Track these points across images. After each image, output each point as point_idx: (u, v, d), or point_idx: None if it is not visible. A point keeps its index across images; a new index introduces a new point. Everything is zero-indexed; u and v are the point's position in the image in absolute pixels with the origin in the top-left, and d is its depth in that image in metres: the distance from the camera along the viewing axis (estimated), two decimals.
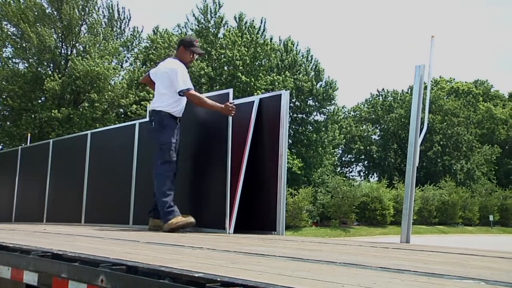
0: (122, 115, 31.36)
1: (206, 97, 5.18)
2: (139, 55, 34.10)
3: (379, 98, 56.81)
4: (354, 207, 36.47)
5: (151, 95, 26.64)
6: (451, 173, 48.79)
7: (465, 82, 60.75)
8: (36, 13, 28.38)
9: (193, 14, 36.03)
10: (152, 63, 30.29)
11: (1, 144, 29.60)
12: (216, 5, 35.67)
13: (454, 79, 61.39)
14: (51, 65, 30.09)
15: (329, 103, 40.41)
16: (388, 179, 43.17)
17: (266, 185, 4.85)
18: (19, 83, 28.29)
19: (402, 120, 50.87)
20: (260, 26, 36.79)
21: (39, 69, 29.76)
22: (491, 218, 43.65)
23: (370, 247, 3.29)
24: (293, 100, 38.42)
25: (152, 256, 2.37)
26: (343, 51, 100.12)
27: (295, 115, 39.68)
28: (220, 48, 34.64)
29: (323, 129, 40.09)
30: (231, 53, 33.89)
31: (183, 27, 36.87)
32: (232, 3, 67.76)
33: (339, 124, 43.51)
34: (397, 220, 34.67)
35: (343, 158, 56.25)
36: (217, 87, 32.51)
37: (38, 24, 27.98)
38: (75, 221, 7.29)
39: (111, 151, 7.18)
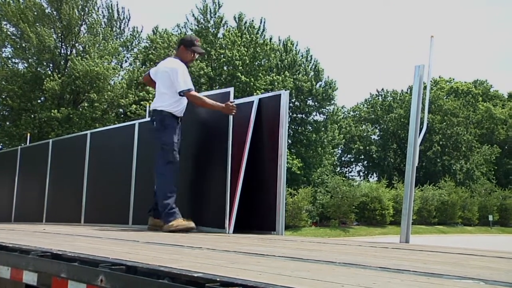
0: (122, 115, 31.34)
1: (207, 95, 5.18)
2: (138, 55, 34.09)
3: (378, 98, 56.82)
4: (354, 207, 36.48)
5: (150, 95, 26.63)
6: (451, 173, 48.80)
7: (465, 82, 60.75)
8: (35, 13, 28.35)
9: (193, 14, 36.08)
10: (151, 63, 30.26)
11: (1, 144, 29.60)
12: (215, 5, 35.69)
13: (453, 79, 61.40)
14: (51, 65, 30.07)
15: (328, 103, 40.40)
16: (387, 179, 43.15)
17: (266, 185, 4.84)
18: (18, 83, 28.28)
19: (402, 120, 50.85)
20: (260, 26, 36.79)
21: (38, 69, 29.74)
22: (490, 218, 43.65)
23: (369, 247, 3.29)
24: (293, 100, 38.40)
25: (151, 256, 2.37)
26: (343, 51, 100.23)
27: (294, 115, 39.68)
28: (220, 48, 34.62)
29: (323, 129, 40.08)
30: (230, 53, 33.87)
31: (182, 27, 36.89)
32: (232, 3, 67.81)
33: (338, 124, 43.49)
34: (397, 220, 34.65)
35: (343, 158, 56.26)
36: (217, 87, 32.45)
37: (37, 24, 27.95)
38: (74, 221, 7.29)
39: (110, 151, 7.18)
